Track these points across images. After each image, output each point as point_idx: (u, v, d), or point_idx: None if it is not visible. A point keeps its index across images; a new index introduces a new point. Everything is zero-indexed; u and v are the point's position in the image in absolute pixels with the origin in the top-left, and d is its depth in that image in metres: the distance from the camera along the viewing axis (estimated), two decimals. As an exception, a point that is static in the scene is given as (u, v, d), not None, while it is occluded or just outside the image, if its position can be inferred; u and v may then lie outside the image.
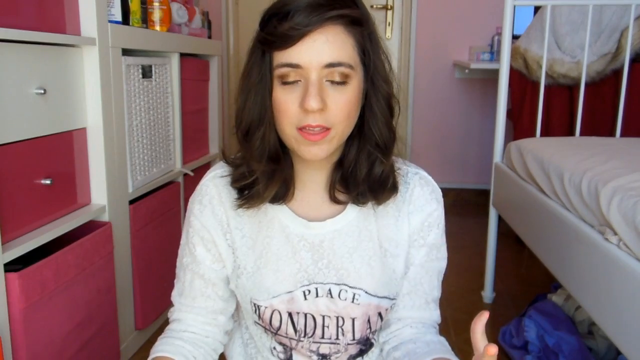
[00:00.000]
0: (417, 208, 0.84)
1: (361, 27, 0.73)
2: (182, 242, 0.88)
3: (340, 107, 0.71)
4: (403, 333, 0.86)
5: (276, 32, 0.70)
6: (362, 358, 0.88)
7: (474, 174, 3.60)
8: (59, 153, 1.35)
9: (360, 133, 0.78)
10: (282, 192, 0.80)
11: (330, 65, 0.70)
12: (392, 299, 0.83)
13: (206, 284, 0.85)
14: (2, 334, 1.10)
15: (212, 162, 2.36)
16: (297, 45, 0.69)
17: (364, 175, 0.78)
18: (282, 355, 0.87)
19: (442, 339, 0.86)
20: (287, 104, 0.71)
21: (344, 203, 0.82)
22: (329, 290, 0.81)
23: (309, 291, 0.81)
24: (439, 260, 0.87)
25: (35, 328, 1.18)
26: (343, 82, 0.71)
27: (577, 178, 1.37)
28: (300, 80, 0.71)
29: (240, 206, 0.80)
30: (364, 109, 0.77)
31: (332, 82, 0.71)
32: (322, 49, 0.69)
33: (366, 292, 0.80)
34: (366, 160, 0.78)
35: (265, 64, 0.73)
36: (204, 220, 0.83)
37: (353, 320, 0.81)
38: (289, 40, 0.69)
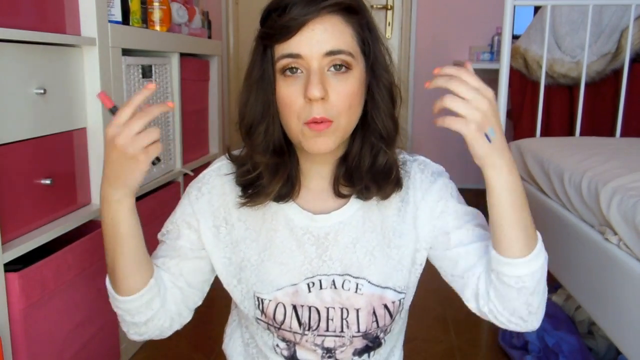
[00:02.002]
0: (424, 191, 0.83)
1: (358, 15, 0.74)
2: (170, 218, 0.87)
3: (341, 98, 0.72)
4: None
5: (275, 26, 0.71)
6: (368, 355, 0.88)
7: (474, 174, 3.58)
8: (59, 153, 1.35)
9: (363, 125, 0.78)
10: (288, 190, 0.80)
11: (331, 53, 0.71)
12: (400, 293, 0.83)
13: (175, 256, 0.83)
14: (2, 334, 1.10)
15: (212, 162, 2.36)
16: (297, 36, 0.70)
17: (367, 167, 0.79)
18: (285, 352, 0.87)
19: None
20: (291, 97, 0.72)
21: (348, 196, 0.82)
22: (333, 281, 0.81)
23: (313, 283, 0.81)
24: (471, 220, 0.83)
25: (35, 328, 1.18)
26: (345, 70, 0.72)
27: (577, 178, 1.37)
28: (302, 72, 0.72)
29: (244, 204, 0.80)
30: (366, 101, 0.77)
31: (334, 69, 0.72)
32: (322, 37, 0.70)
33: (369, 282, 0.81)
34: (369, 151, 0.79)
35: (266, 60, 0.74)
36: (197, 208, 0.83)
37: (357, 311, 0.81)
38: (288, 31, 0.70)
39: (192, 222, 0.83)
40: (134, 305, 0.79)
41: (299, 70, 0.72)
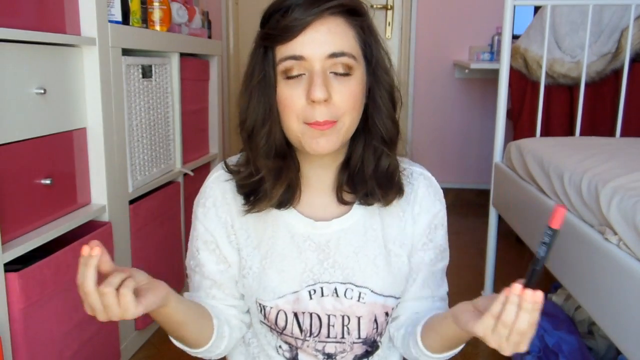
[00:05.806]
0: (424, 209, 0.84)
1: (360, 17, 0.74)
2: (189, 244, 0.88)
3: (345, 98, 0.72)
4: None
5: (278, 27, 0.71)
6: (368, 359, 0.88)
7: (474, 174, 3.60)
8: (59, 153, 1.35)
9: (364, 129, 0.78)
10: (289, 196, 0.79)
11: (334, 55, 0.70)
12: (398, 298, 0.84)
13: (211, 285, 0.85)
14: (2, 334, 1.10)
15: (212, 162, 2.36)
16: (300, 37, 0.70)
17: (371, 172, 0.79)
18: (287, 354, 0.87)
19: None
20: (292, 98, 0.72)
21: (350, 203, 0.82)
22: (335, 289, 0.81)
23: (315, 291, 0.81)
24: (443, 260, 0.88)
25: (35, 328, 1.18)
26: (347, 74, 0.72)
27: (577, 178, 1.37)
28: (304, 74, 0.71)
29: (248, 211, 0.79)
30: (367, 104, 0.77)
31: (336, 74, 0.71)
32: (325, 39, 0.70)
33: (372, 291, 0.81)
34: (372, 155, 0.79)
35: (268, 62, 0.73)
36: (207, 224, 0.83)
37: (359, 318, 0.82)
38: (291, 32, 0.70)
39: (208, 238, 0.83)
40: (212, 346, 0.83)
41: (301, 75, 0.71)
